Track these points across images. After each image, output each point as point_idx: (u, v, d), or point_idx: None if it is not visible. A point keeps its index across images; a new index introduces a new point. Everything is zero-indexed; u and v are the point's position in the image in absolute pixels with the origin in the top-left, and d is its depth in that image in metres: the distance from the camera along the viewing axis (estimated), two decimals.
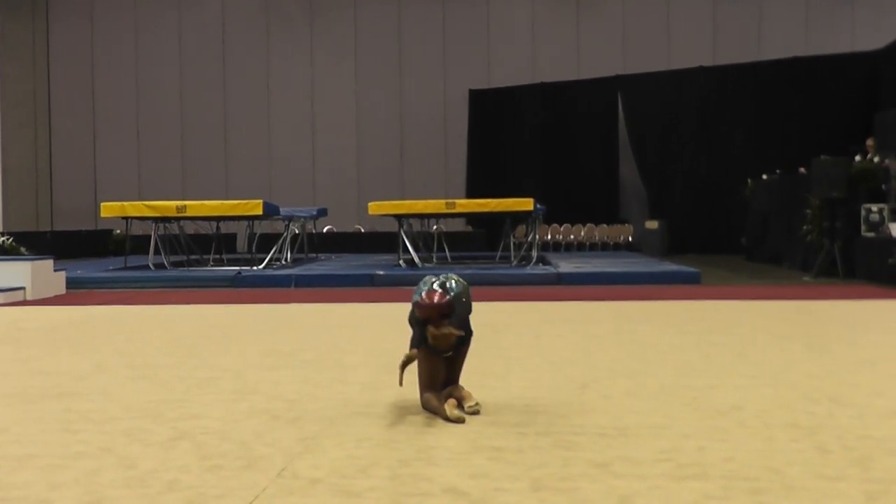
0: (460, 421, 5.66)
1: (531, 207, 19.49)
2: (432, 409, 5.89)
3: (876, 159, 17.98)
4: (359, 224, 30.96)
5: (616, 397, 6.44)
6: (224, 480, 4.50)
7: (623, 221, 30.28)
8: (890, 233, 16.14)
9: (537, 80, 31.08)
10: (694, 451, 4.91)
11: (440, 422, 5.67)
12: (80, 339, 10.26)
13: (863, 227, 17.15)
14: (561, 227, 29.89)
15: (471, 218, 28.29)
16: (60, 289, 16.70)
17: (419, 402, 6.08)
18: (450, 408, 5.76)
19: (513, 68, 31.65)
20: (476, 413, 5.86)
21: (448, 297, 5.84)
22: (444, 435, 5.35)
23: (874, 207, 17.02)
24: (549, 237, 29.46)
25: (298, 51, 33.32)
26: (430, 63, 32.60)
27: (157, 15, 33.94)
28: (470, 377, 6.41)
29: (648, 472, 4.53)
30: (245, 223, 22.45)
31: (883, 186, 17.51)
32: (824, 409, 5.97)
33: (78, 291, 17.00)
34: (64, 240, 27.89)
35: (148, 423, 5.80)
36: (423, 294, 5.87)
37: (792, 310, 12.42)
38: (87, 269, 20.63)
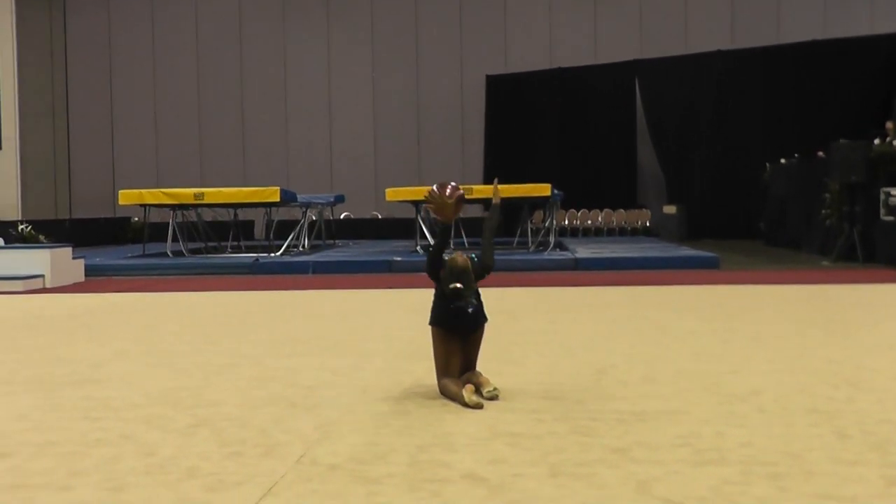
0: (478, 407, 5.67)
1: (548, 193, 19.46)
2: (450, 396, 5.90)
3: (895, 142, 17.88)
4: (376, 210, 30.97)
5: (634, 383, 6.43)
6: (243, 467, 4.51)
7: (641, 206, 30.21)
8: None
9: (554, 65, 30.96)
10: (712, 437, 4.91)
11: (458, 408, 5.68)
12: (99, 326, 10.30)
13: (882, 211, 17.06)
14: (578, 212, 29.85)
15: (488, 204, 28.24)
16: (79, 276, 16.77)
17: (437, 387, 6.09)
18: (468, 393, 5.77)
19: (529, 53, 31.54)
20: (494, 398, 5.87)
21: (460, 191, 6.01)
22: (463, 421, 5.36)
23: (893, 191, 16.93)
24: (567, 222, 29.44)
25: (315, 37, 33.29)
26: (446, 49, 32.53)
27: (173, 2, 33.96)
28: (487, 363, 6.41)
29: (667, 458, 4.53)
30: (262, 210, 22.45)
31: None
32: (843, 394, 5.95)
33: (97, 279, 17.07)
34: (82, 227, 28.00)
35: (167, 410, 5.82)
36: (435, 188, 6.01)
37: (811, 294, 12.38)
38: (106, 256, 20.71)
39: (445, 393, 5.96)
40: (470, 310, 6.04)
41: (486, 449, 4.75)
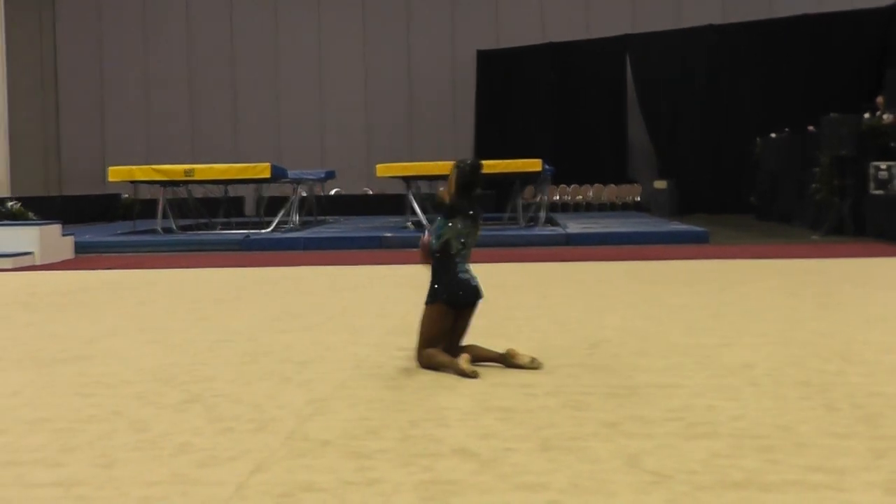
0: (474, 375, 5.70)
1: (540, 168, 19.44)
2: (439, 364, 5.93)
3: (885, 117, 17.88)
4: (367, 186, 30.91)
5: (626, 357, 6.45)
6: (236, 443, 4.52)
7: (631, 181, 30.21)
8: None
9: (546, 39, 30.86)
10: (704, 410, 4.93)
11: (449, 383, 5.69)
12: (90, 303, 10.29)
13: (871, 185, 17.09)
14: (569, 187, 29.83)
15: None
16: (69, 253, 16.73)
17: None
18: (464, 362, 5.79)
19: (521, 28, 31.42)
20: (537, 367, 5.99)
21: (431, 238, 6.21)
22: (454, 396, 5.38)
23: (883, 165, 16.95)
24: (558, 198, 29.42)
25: (306, 12, 33.13)
26: (438, 24, 32.41)
27: None
28: (479, 338, 6.42)
29: (658, 431, 4.55)
30: (253, 186, 22.46)
31: (892, 144, 17.42)
32: (834, 367, 5.98)
33: (86, 256, 17.03)
34: (72, 204, 27.90)
35: (160, 386, 5.83)
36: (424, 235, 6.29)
37: (802, 268, 12.41)
38: (96, 233, 20.67)
39: (432, 363, 5.99)
40: (473, 283, 6.15)
41: (478, 423, 4.76)
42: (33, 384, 5.98)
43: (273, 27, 33.35)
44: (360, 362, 6.45)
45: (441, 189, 5.97)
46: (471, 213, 6.14)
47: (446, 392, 5.48)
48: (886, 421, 4.69)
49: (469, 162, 6.25)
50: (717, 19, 29.08)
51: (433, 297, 6.14)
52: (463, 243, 6.14)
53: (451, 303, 6.08)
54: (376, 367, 6.25)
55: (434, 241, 6.18)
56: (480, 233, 6.32)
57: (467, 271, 6.20)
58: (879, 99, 18.81)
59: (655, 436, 4.48)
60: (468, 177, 6.18)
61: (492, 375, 5.86)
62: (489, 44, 31.40)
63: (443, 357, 5.95)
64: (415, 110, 32.74)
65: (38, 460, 4.31)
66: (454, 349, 6.15)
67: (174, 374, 6.19)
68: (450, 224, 6.10)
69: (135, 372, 6.29)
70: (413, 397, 5.37)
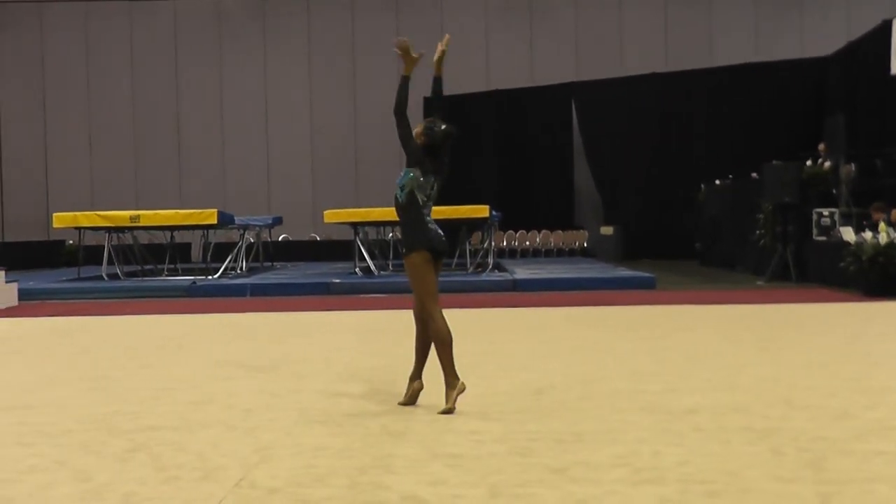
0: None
1: (487, 214, 19.51)
2: (443, 358, 6.15)
3: (827, 164, 18.17)
4: (314, 232, 30.85)
5: (572, 403, 6.46)
6: (181, 492, 4.47)
7: (578, 227, 30.40)
8: (841, 236, 16.31)
9: (491, 87, 31.10)
10: (650, 456, 4.94)
11: (397, 429, 5.67)
12: (33, 350, 10.15)
13: (814, 231, 17.33)
14: (516, 233, 29.96)
15: None
16: (12, 300, 16.50)
17: (375, 403, 6.06)
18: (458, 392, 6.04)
19: (466, 76, 31.53)
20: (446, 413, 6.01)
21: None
22: (402, 443, 5.35)
23: (825, 212, 17.20)
24: (505, 244, 29.53)
25: (251, 59, 33.15)
26: (384, 71, 32.49)
27: (108, 25, 33.62)
28: (425, 386, 6.41)
29: (605, 478, 4.56)
30: (199, 232, 22.29)
31: (833, 191, 17.70)
32: (779, 412, 6.02)
33: (30, 303, 16.82)
34: (16, 251, 27.50)
35: (103, 435, 5.75)
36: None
37: (745, 314, 12.52)
38: (40, 280, 20.42)
39: (442, 349, 6.17)
40: (441, 234, 6.32)
41: (426, 470, 4.75)
42: None
43: (218, 72, 33.31)
44: (307, 409, 6.41)
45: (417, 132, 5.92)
46: (432, 169, 6.25)
47: (394, 439, 5.46)
48: (831, 465, 4.73)
49: (442, 129, 6.32)
50: (660, 68, 29.46)
51: (411, 246, 6.20)
52: (427, 195, 6.26)
53: (430, 248, 6.17)
54: (323, 414, 6.22)
55: (399, 193, 6.24)
56: (440, 185, 6.43)
57: (433, 222, 6.29)
58: (821, 146, 19.11)
59: (602, 482, 4.48)
60: (437, 141, 6.30)
61: (439, 422, 5.85)
62: None
63: (450, 361, 6.15)
64: (361, 156, 32.79)
65: None
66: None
67: (117, 422, 6.11)
68: (411, 175, 6.22)
69: (77, 421, 6.20)
70: (360, 444, 5.34)
